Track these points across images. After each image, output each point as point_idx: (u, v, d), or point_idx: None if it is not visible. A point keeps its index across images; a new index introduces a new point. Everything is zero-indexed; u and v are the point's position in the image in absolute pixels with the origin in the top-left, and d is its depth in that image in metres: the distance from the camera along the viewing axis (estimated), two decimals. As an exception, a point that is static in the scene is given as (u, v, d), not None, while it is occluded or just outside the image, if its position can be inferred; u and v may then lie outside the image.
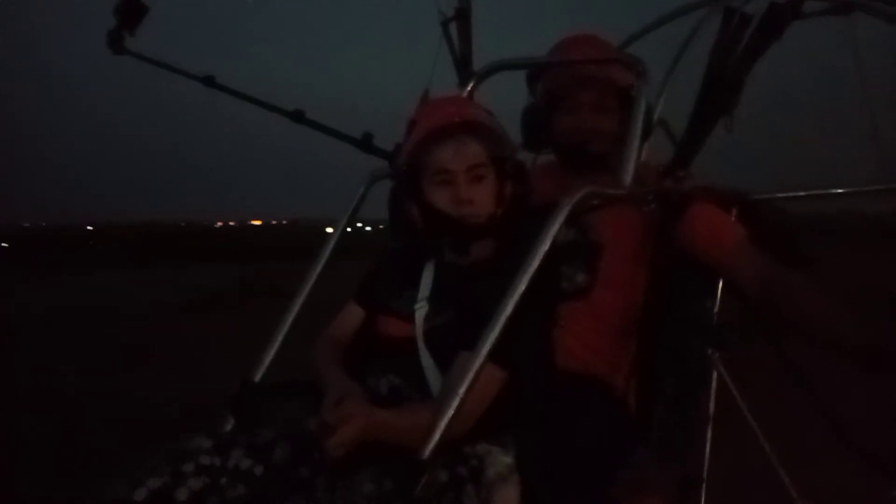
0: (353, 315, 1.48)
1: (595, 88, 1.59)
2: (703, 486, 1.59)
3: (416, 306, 1.36)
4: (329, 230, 1.65)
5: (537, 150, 1.82)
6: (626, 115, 1.55)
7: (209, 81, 1.83)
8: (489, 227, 1.35)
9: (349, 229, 1.64)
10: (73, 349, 5.64)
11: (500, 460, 1.20)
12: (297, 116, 1.82)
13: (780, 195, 1.64)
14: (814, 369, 1.44)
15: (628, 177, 1.30)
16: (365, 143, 1.79)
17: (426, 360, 1.30)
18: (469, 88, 1.86)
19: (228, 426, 1.33)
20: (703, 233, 1.47)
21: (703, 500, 1.58)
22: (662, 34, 2.16)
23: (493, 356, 1.06)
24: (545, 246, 1.11)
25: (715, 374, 1.64)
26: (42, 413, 3.86)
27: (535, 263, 1.09)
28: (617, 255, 1.54)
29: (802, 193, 1.68)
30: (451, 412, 1.01)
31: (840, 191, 1.71)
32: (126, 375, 4.73)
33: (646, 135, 1.58)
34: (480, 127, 1.34)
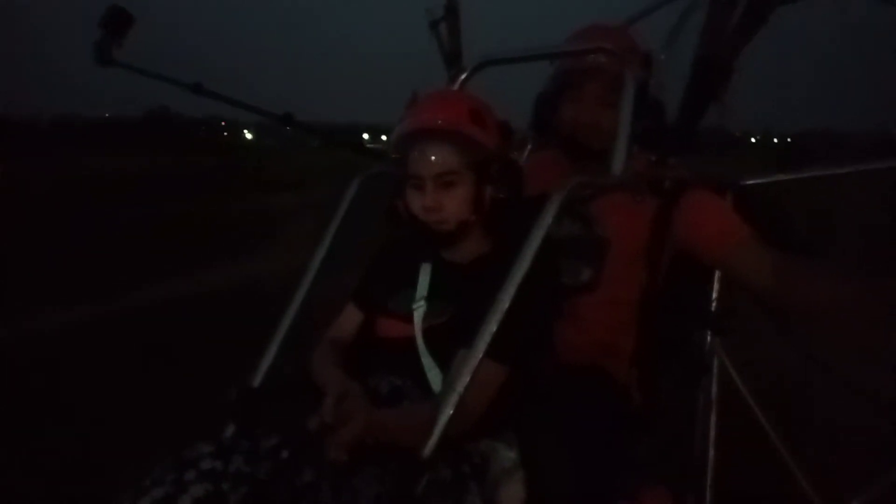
0: (351, 317, 1.47)
1: (602, 81, 1.48)
2: (708, 473, 1.59)
3: (415, 306, 1.35)
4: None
5: (543, 136, 1.76)
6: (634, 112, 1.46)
7: (197, 88, 1.82)
8: (458, 233, 1.33)
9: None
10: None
11: (504, 456, 1.20)
12: (287, 119, 1.82)
13: (771, 179, 1.64)
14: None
15: (620, 165, 1.29)
16: (356, 145, 1.79)
17: (426, 359, 1.30)
18: (458, 84, 1.85)
19: (229, 432, 1.32)
20: (702, 230, 1.44)
21: (707, 487, 1.58)
22: (651, 23, 2.15)
23: (491, 352, 1.05)
24: (539, 239, 1.10)
25: (716, 361, 1.65)
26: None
27: (530, 257, 1.09)
28: (622, 249, 1.51)
29: (794, 176, 1.68)
30: (450, 410, 1.01)
31: (831, 172, 1.71)
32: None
33: (657, 134, 1.49)
34: (455, 134, 1.29)
